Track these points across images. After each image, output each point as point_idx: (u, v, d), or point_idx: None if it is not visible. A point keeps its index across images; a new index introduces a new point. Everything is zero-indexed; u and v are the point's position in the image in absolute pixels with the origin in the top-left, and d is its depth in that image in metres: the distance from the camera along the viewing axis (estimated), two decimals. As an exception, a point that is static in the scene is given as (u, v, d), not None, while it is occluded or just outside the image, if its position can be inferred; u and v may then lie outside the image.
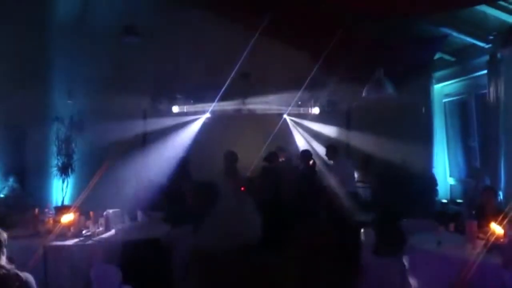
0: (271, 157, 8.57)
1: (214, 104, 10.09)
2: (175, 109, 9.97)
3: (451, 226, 5.22)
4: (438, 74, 9.01)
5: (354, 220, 7.30)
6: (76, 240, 4.87)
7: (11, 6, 7.81)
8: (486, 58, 6.99)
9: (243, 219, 7.19)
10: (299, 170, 8.84)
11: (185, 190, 7.30)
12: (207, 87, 9.69)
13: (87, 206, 5.74)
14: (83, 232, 5.09)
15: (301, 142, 10.19)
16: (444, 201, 8.80)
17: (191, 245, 5.91)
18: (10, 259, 3.43)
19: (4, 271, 3.13)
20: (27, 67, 8.19)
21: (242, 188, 7.37)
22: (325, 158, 8.77)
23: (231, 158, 7.77)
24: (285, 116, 10.45)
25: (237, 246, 6.92)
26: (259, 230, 7.28)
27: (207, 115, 10.22)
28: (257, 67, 9.76)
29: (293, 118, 10.52)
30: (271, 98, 10.13)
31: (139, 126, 9.77)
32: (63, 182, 9.28)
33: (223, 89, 9.57)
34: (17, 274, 3.15)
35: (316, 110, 10.28)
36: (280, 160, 9.28)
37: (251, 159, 8.57)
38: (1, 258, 3.17)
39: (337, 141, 8.97)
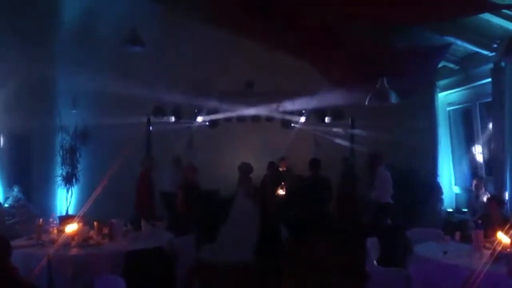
0: (268, 165, 8.55)
1: (216, 112, 10.15)
2: (177, 117, 10.01)
3: (457, 235, 5.18)
4: (442, 82, 9.00)
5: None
6: (80, 249, 4.85)
7: (17, 18, 7.88)
8: (490, 66, 6.98)
9: (251, 231, 7.19)
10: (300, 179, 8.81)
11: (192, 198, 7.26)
12: (209, 95, 9.74)
13: (91, 215, 5.74)
14: (87, 241, 5.07)
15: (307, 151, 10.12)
16: (450, 210, 8.76)
17: (196, 255, 5.90)
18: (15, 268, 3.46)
19: (15, 275, 3.17)
20: (32, 78, 8.24)
21: None
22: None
23: (245, 169, 7.78)
24: (292, 124, 10.46)
25: (244, 258, 6.91)
26: (265, 241, 7.28)
27: (207, 123, 10.26)
28: (260, 76, 9.81)
29: (299, 127, 10.51)
30: (274, 106, 10.16)
31: (143, 134, 9.82)
32: (67, 191, 9.29)
33: (225, 97, 9.64)
34: (25, 281, 3.19)
35: (325, 119, 10.28)
36: (281, 169, 9.26)
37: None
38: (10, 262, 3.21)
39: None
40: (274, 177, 8.40)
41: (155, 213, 7.57)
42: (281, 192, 8.63)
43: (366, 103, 7.61)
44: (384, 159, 7.86)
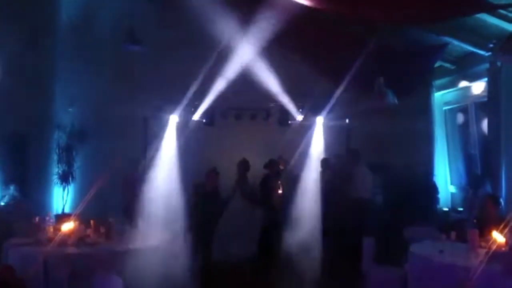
0: (269, 164, 8.52)
1: (213, 110, 10.13)
2: (176, 117, 9.99)
3: (453, 234, 5.20)
4: (438, 82, 9.03)
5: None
6: (76, 248, 4.85)
7: (14, 17, 7.86)
8: (486, 66, 7.01)
9: (249, 230, 7.18)
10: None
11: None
12: (206, 93, 9.72)
13: (88, 214, 5.73)
14: (84, 240, 5.06)
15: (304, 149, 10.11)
16: (445, 209, 8.79)
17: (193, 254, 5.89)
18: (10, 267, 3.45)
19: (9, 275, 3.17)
20: (29, 76, 8.22)
21: None
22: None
23: (244, 166, 7.68)
24: (289, 122, 10.46)
25: (242, 257, 6.91)
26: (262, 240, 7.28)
27: (203, 121, 10.25)
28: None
29: (297, 126, 10.52)
30: (272, 105, 10.15)
31: (140, 134, 9.80)
32: (63, 190, 9.27)
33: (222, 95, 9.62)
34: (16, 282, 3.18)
35: (319, 119, 10.30)
36: (281, 168, 9.24)
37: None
38: None
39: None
40: (275, 176, 8.36)
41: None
42: (279, 191, 8.62)
43: (365, 103, 7.65)
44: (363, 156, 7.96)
